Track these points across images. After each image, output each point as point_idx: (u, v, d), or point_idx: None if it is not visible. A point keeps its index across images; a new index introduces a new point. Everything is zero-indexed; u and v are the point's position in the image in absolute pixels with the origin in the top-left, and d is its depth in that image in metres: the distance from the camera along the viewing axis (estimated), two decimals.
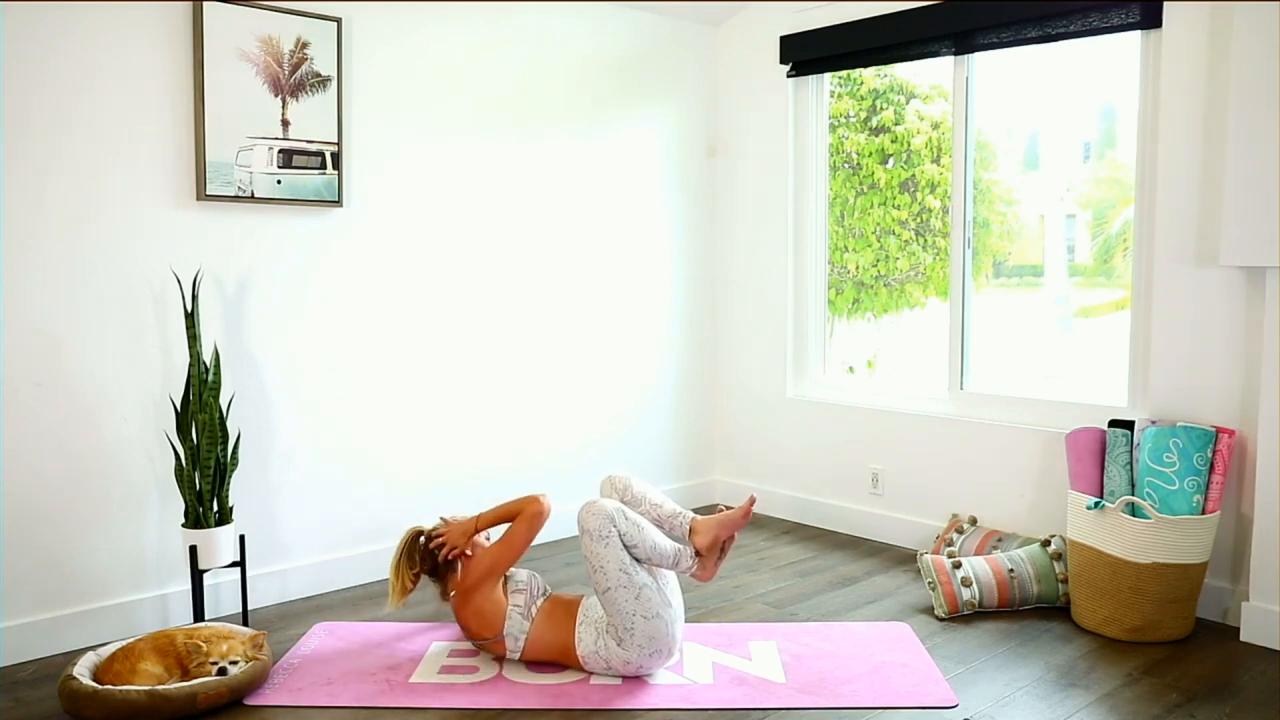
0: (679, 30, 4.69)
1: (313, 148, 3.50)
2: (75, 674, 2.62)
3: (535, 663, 2.95)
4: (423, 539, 3.05)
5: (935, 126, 4.30)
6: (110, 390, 3.16)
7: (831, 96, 4.59)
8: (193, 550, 3.11)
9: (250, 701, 2.74)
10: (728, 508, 3.10)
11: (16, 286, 2.98)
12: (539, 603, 2.97)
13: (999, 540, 3.71)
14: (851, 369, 4.75)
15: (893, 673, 2.93)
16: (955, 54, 3.98)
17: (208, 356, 3.24)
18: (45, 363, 3.05)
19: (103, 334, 3.14)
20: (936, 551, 3.84)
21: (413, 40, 3.78)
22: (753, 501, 2.98)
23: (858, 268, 4.63)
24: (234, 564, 3.22)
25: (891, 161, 4.46)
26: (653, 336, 4.70)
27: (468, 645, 3.10)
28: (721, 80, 4.86)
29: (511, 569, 3.02)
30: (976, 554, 3.68)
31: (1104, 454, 3.35)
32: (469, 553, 3.00)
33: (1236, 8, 3.08)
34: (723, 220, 4.90)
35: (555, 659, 2.92)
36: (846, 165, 4.61)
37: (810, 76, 4.53)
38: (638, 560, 2.83)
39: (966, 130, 4.01)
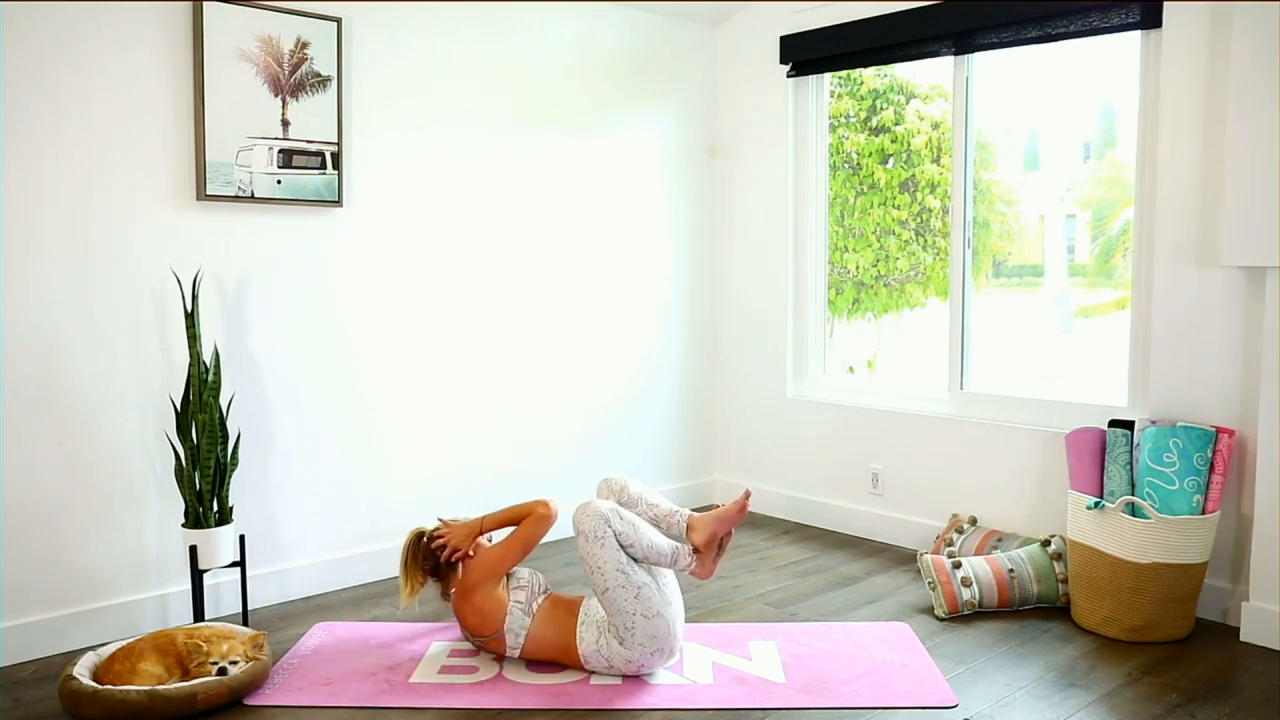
0: (678, 30, 4.69)
1: (313, 148, 3.50)
2: (75, 674, 2.62)
3: (535, 661, 2.95)
4: (424, 539, 3.05)
5: (935, 126, 4.30)
6: (110, 390, 3.16)
7: (831, 96, 4.59)
8: (193, 550, 3.11)
9: (250, 701, 2.74)
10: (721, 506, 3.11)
11: (17, 286, 2.98)
12: (539, 600, 2.98)
13: (999, 540, 3.71)
14: (851, 369, 4.75)
15: (893, 673, 2.93)
16: (955, 54, 3.98)
17: (208, 356, 3.24)
18: (45, 363, 3.05)
19: (103, 334, 3.14)
20: (936, 551, 3.84)
21: (413, 40, 3.78)
22: (748, 496, 2.98)
23: (858, 268, 4.63)
24: (234, 564, 3.22)
25: (891, 161, 4.46)
26: (652, 336, 4.70)
27: (468, 646, 3.10)
28: (721, 80, 4.86)
29: (514, 568, 3.03)
30: (976, 554, 3.68)
31: (1104, 454, 3.35)
32: (471, 554, 3.01)
33: (1236, 8, 3.08)
34: (723, 220, 4.90)
35: (555, 658, 2.92)
36: (846, 165, 4.61)
37: (810, 76, 4.53)
38: (635, 560, 2.83)
39: (966, 130, 4.01)
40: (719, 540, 3.01)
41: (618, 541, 2.80)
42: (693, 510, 3.09)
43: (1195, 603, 3.22)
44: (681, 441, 4.87)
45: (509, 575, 3.02)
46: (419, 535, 3.06)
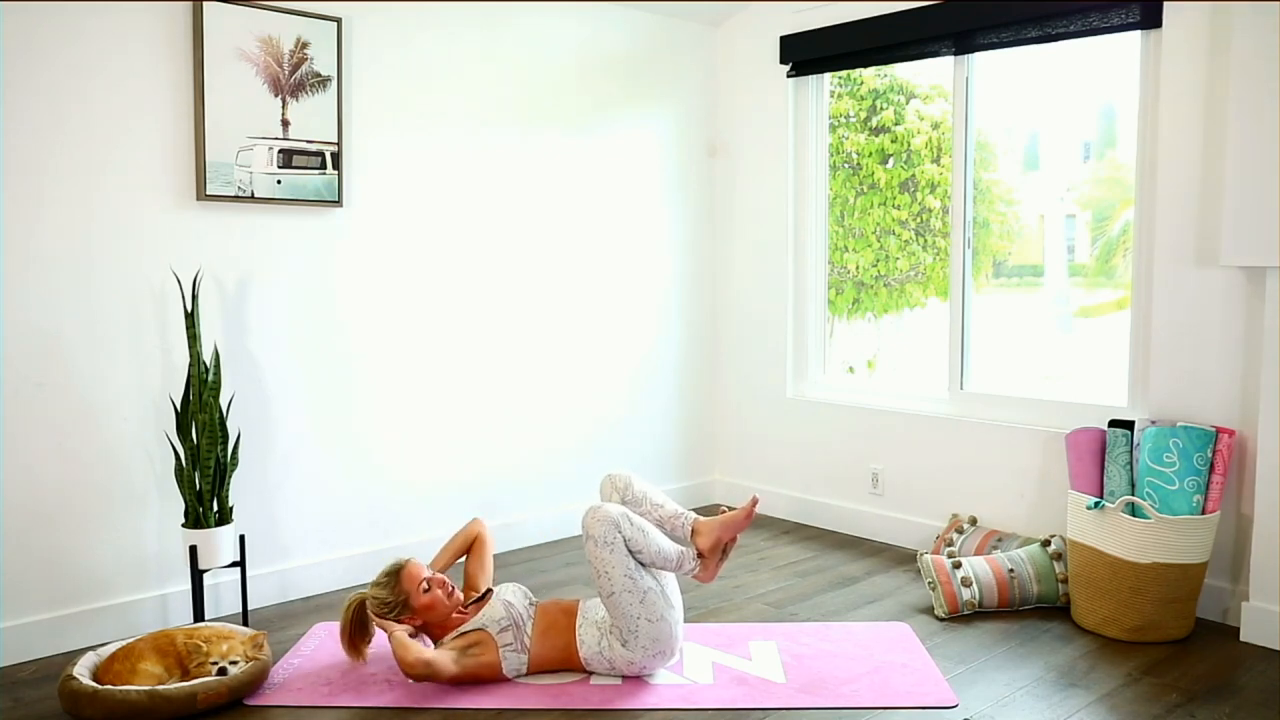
0: (679, 30, 4.69)
1: (313, 148, 3.50)
2: (75, 674, 2.62)
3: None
4: (364, 609, 2.90)
5: (935, 126, 4.30)
6: (110, 390, 3.16)
7: (831, 96, 4.59)
8: (193, 550, 3.11)
9: (250, 701, 2.74)
10: (729, 508, 3.09)
11: (17, 286, 2.98)
12: (529, 624, 2.89)
13: (999, 540, 3.71)
14: (851, 369, 4.75)
15: (893, 673, 2.93)
16: (955, 54, 3.98)
17: (208, 356, 3.24)
18: (45, 363, 3.05)
19: (103, 334, 3.14)
20: (936, 551, 3.84)
21: (413, 40, 3.78)
22: (755, 503, 2.97)
23: (858, 268, 4.63)
24: (234, 564, 3.22)
25: (891, 161, 4.46)
26: (653, 336, 4.70)
27: None
28: (721, 80, 4.86)
29: (483, 610, 2.87)
30: (976, 554, 3.68)
31: (1104, 454, 3.35)
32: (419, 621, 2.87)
33: (1236, 8, 3.08)
34: (723, 220, 4.90)
35: (559, 666, 2.90)
36: (846, 165, 4.61)
37: (810, 76, 4.53)
38: (641, 564, 2.83)
39: (966, 130, 4.01)
40: (723, 545, 3.00)
41: (626, 546, 2.79)
42: (695, 511, 3.08)
43: (1195, 603, 3.22)
44: (681, 441, 4.87)
45: (483, 626, 2.84)
46: (360, 604, 2.89)
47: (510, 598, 2.92)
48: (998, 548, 3.67)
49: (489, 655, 2.81)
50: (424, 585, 2.84)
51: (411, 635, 2.83)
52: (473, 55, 3.97)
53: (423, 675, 2.74)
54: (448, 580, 2.92)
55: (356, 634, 2.90)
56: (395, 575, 2.86)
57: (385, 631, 2.82)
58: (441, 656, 2.76)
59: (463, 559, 3.19)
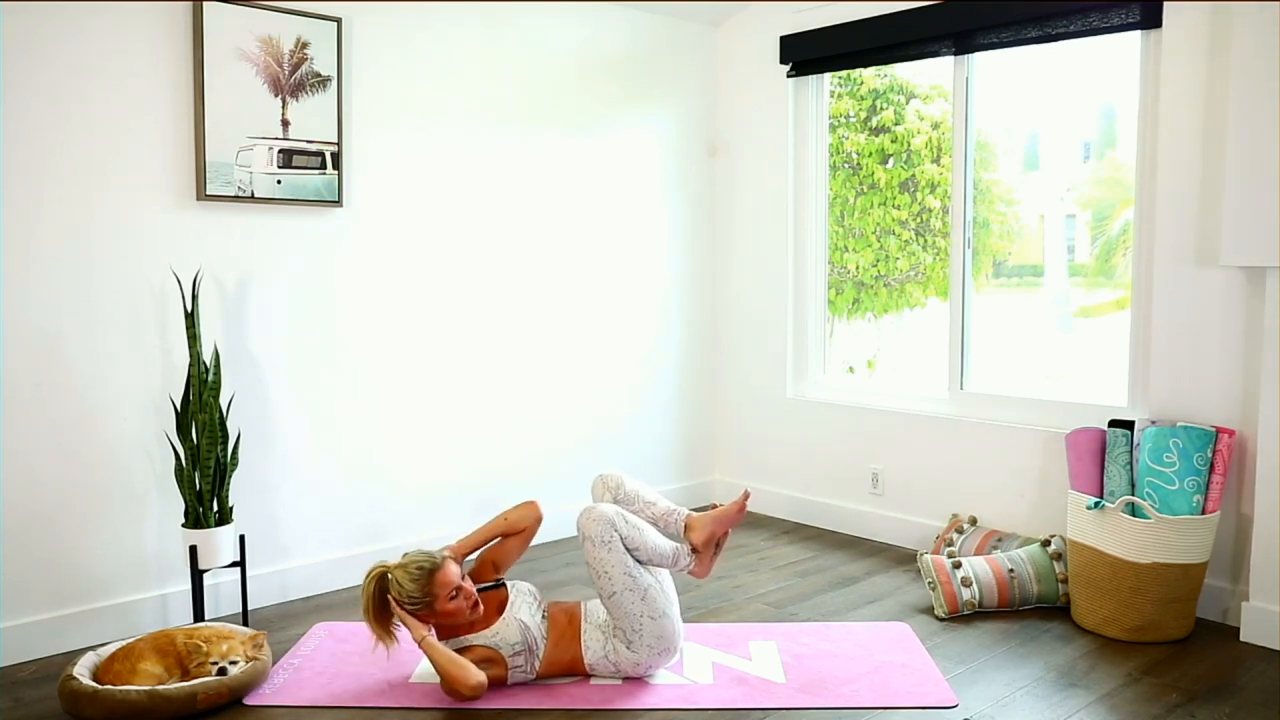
0: (679, 30, 4.69)
1: (313, 148, 3.50)
2: (75, 674, 2.63)
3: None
4: (387, 588, 2.74)
5: (935, 126, 4.30)
6: (110, 390, 3.16)
7: (831, 96, 4.59)
8: (193, 550, 3.11)
9: (250, 701, 2.74)
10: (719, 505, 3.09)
11: (17, 286, 2.98)
12: (542, 646, 2.83)
13: (999, 540, 3.71)
14: (851, 369, 4.75)
15: (893, 673, 2.93)
16: (955, 54, 3.98)
17: (208, 356, 3.24)
18: (45, 363, 3.05)
19: (103, 334, 3.14)
20: (936, 551, 3.84)
21: (413, 40, 3.78)
22: (747, 496, 2.97)
23: (858, 268, 4.63)
24: (234, 564, 3.22)
25: (891, 161, 4.46)
26: (653, 337, 4.70)
27: None
28: (722, 80, 4.86)
29: (498, 628, 2.80)
30: (976, 554, 3.68)
31: (1104, 454, 3.35)
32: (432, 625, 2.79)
33: (1236, 8, 3.08)
34: (723, 220, 4.90)
35: (564, 672, 2.88)
36: (846, 165, 4.61)
37: (810, 76, 4.53)
38: (639, 562, 2.83)
39: (966, 130, 4.01)
40: (717, 540, 3.00)
41: (623, 544, 2.79)
42: (691, 510, 3.09)
43: (1195, 603, 3.22)
44: (682, 441, 4.87)
45: (495, 648, 2.78)
46: (383, 577, 2.73)
47: (525, 617, 2.83)
48: (998, 548, 3.67)
49: (497, 671, 2.77)
50: (453, 593, 2.71)
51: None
52: (473, 55, 3.97)
53: (474, 697, 2.67)
54: (475, 593, 2.78)
55: (380, 611, 2.73)
56: (430, 574, 2.69)
57: (410, 629, 2.70)
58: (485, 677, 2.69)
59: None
